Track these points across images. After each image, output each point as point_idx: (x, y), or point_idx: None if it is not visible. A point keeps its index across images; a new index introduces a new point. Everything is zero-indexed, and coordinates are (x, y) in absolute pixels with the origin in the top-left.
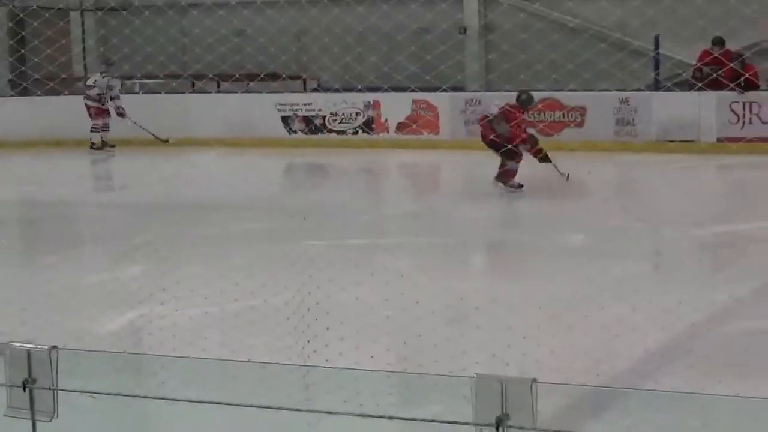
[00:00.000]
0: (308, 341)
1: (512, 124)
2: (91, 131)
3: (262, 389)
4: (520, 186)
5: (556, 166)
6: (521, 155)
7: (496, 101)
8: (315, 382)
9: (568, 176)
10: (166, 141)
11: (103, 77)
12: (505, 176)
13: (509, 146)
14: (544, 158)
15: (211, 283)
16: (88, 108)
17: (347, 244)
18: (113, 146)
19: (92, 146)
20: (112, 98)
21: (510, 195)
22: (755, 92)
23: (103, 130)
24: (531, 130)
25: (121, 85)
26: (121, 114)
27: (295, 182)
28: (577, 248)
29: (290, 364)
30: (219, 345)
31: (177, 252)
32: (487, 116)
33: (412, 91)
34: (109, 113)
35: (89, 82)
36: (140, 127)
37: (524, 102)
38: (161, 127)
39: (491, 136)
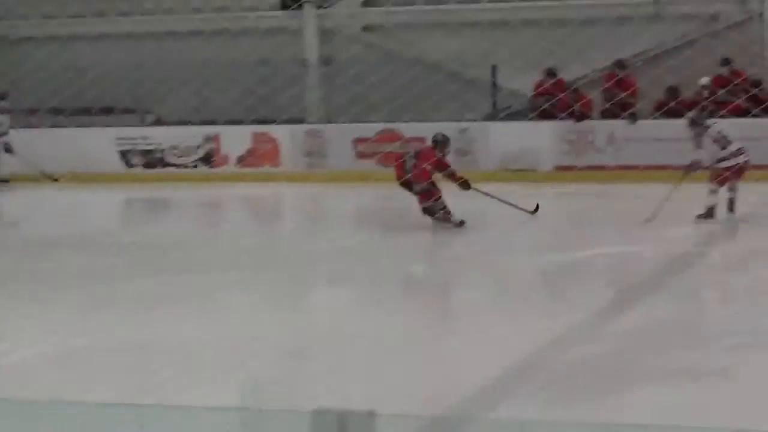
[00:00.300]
0: (145, 380)
1: (420, 164)
2: None
3: (98, 431)
4: (462, 222)
5: (516, 206)
6: (433, 192)
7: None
8: (150, 422)
9: (537, 207)
10: (56, 180)
11: None
12: (443, 216)
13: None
14: (465, 184)
15: (45, 323)
16: None
17: (186, 280)
18: (6, 181)
19: None
20: None
21: (349, 227)
22: (589, 121)
23: None
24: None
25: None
26: (8, 150)
27: (134, 217)
28: (419, 279)
29: (126, 404)
30: (53, 387)
31: (10, 291)
32: (403, 157)
33: (251, 123)
34: None
35: None
36: (30, 164)
37: (438, 143)
38: None
39: (404, 177)
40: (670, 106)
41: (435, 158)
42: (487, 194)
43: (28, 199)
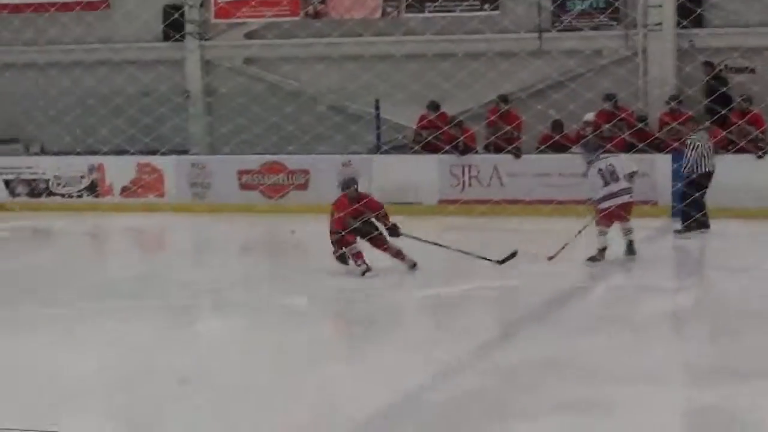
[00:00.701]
0: (30, 408)
1: (335, 214)
2: None
3: None
4: (367, 270)
5: (484, 257)
6: (347, 240)
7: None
8: None
9: (511, 255)
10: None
11: None
12: (354, 259)
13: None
14: (393, 230)
15: None
16: None
17: (73, 309)
18: None
19: None
20: None
21: (233, 257)
22: (473, 155)
23: None
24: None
25: None
26: None
27: (19, 247)
28: (303, 309)
29: (11, 429)
30: None
31: None
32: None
33: (132, 154)
34: None
35: None
36: None
37: (343, 190)
38: None
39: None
40: (555, 140)
41: (351, 207)
42: (422, 240)
43: None
